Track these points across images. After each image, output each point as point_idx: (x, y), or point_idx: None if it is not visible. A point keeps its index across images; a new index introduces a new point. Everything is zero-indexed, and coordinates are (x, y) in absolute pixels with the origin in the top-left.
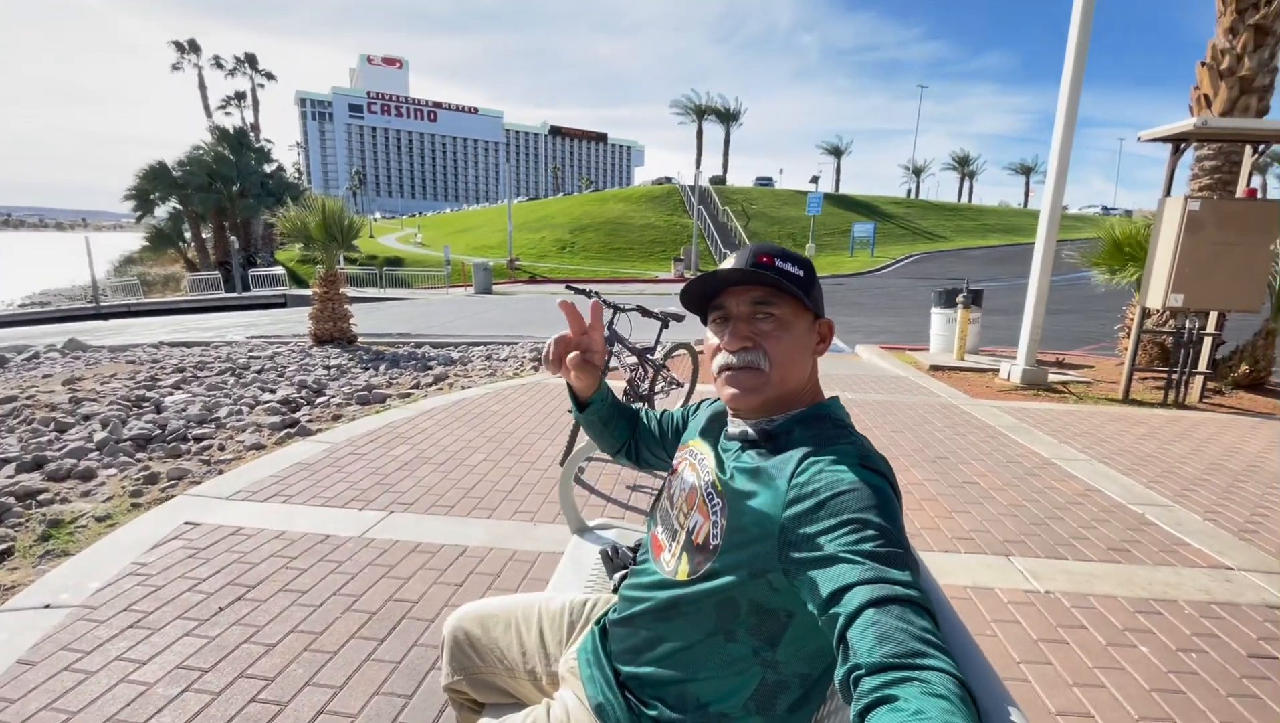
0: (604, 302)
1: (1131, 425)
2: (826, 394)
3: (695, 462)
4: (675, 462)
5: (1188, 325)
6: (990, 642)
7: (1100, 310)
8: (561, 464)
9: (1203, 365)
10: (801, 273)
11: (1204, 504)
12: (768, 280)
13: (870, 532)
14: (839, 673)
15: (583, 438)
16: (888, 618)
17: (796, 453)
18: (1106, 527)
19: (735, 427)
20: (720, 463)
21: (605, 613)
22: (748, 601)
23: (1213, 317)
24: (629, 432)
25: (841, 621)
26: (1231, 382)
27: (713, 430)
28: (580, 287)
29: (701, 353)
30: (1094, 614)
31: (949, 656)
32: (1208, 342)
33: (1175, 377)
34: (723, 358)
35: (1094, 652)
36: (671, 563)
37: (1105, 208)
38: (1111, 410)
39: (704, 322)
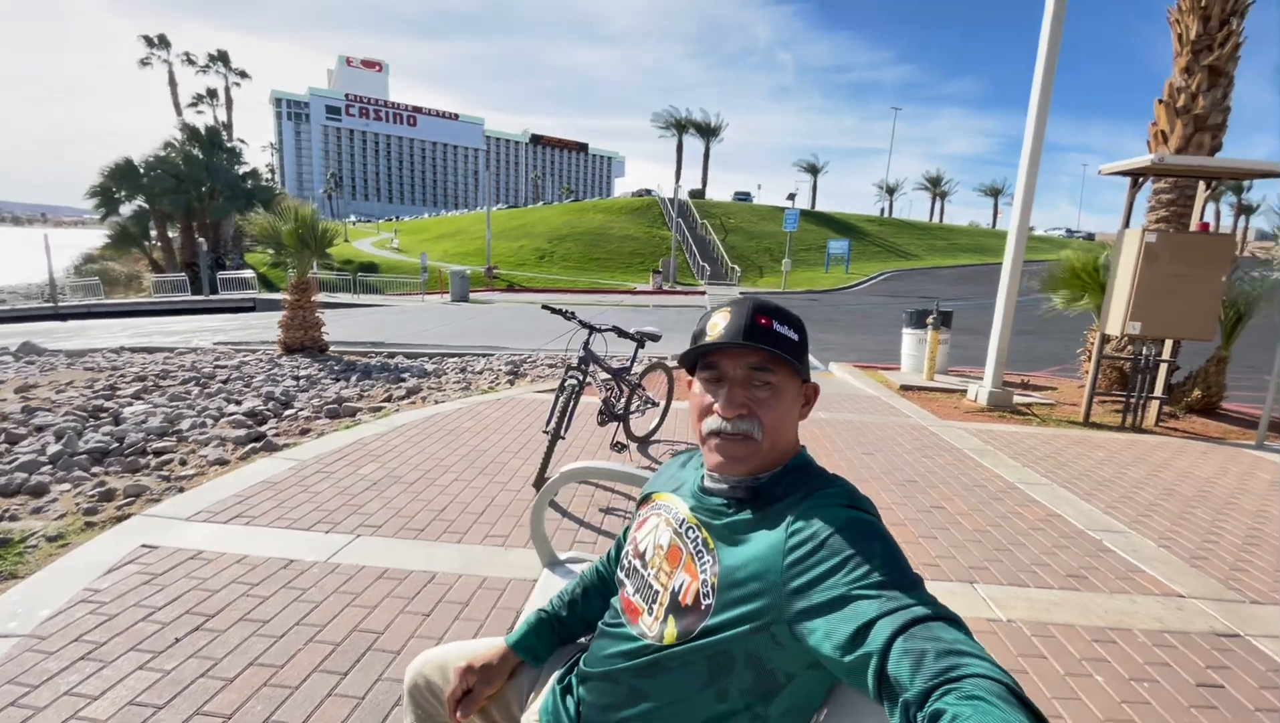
0: (581, 322)
1: (1091, 449)
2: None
3: (669, 516)
4: (640, 517)
5: (1144, 352)
6: None
7: (1061, 332)
8: (536, 486)
9: (1158, 390)
10: (797, 337)
11: (1158, 530)
12: (772, 352)
13: (877, 563)
14: (895, 714)
15: (556, 460)
16: (917, 643)
17: (790, 502)
18: (1066, 553)
19: (717, 483)
20: (702, 520)
21: (568, 668)
22: (745, 655)
23: (1168, 344)
24: (601, 595)
25: (875, 659)
26: (1185, 406)
27: (688, 484)
28: (557, 308)
29: (675, 371)
30: (1053, 643)
31: (985, 657)
32: (1163, 368)
33: (1133, 401)
34: (714, 422)
35: (1052, 682)
36: (655, 627)
37: (1069, 231)
38: (1073, 433)
39: (690, 372)
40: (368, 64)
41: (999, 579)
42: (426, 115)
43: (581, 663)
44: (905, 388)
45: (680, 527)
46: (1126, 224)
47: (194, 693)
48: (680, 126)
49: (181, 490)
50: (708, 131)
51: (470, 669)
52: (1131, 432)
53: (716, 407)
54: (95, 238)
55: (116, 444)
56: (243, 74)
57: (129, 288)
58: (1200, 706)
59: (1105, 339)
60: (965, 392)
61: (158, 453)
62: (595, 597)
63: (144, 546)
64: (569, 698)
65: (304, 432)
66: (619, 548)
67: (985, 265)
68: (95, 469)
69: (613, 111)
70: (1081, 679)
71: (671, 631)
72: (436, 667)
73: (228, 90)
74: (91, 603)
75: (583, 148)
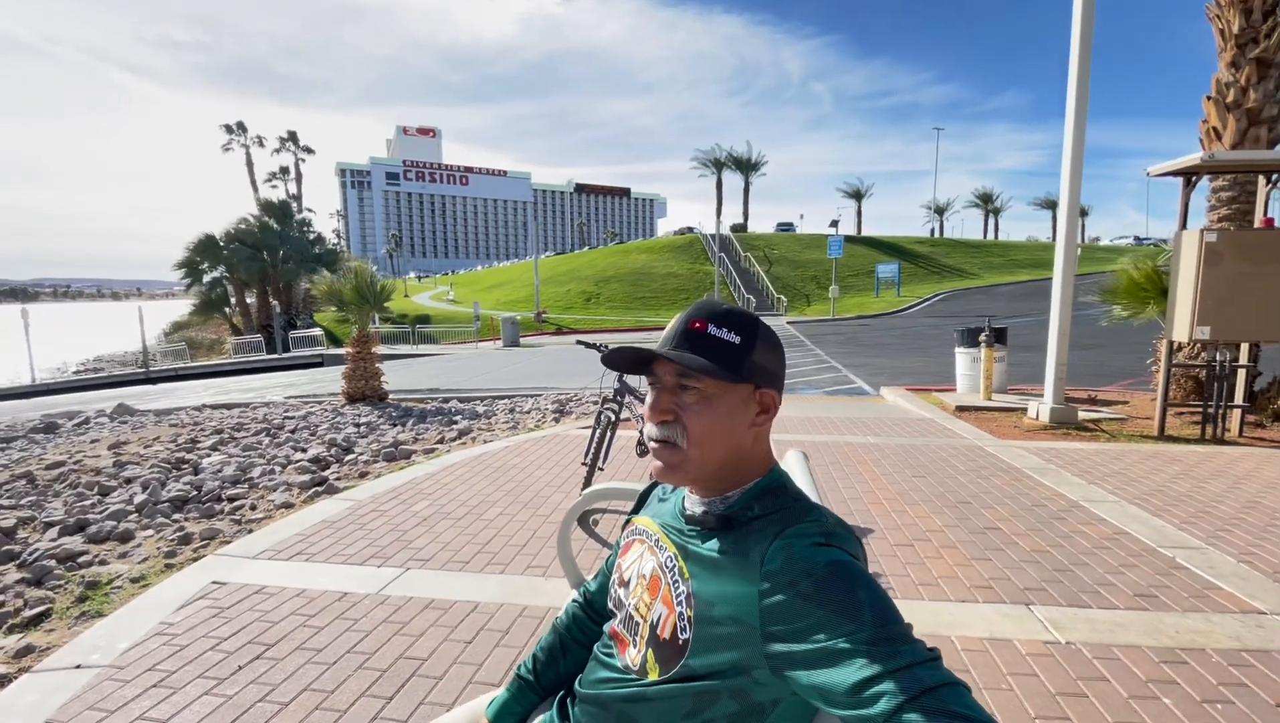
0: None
1: (1165, 464)
2: (849, 440)
3: (653, 545)
4: (624, 542)
5: (1218, 358)
6: (1005, 696)
7: (1133, 343)
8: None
9: (1239, 398)
10: (738, 339)
11: (1238, 545)
12: (687, 362)
13: (864, 614)
14: None
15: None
16: (931, 717)
17: (761, 539)
18: (1134, 572)
19: (692, 507)
20: (679, 548)
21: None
22: (729, 692)
23: (1245, 348)
24: (582, 645)
25: None
26: (1272, 414)
27: (666, 509)
28: (591, 343)
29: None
30: (1117, 666)
31: None
32: (1242, 373)
33: (1211, 411)
34: (648, 428)
35: (1114, 706)
36: (638, 659)
37: (1138, 238)
38: (1145, 448)
39: (635, 390)
40: (422, 131)
41: (1058, 601)
42: (477, 174)
43: (577, 683)
44: (961, 409)
45: (662, 556)
46: (1184, 225)
47: (253, 716)
48: (719, 164)
49: (250, 532)
50: (747, 166)
51: None
52: (1212, 444)
53: (646, 412)
54: (182, 307)
55: (195, 492)
56: (309, 150)
57: (212, 351)
58: None
59: (1174, 347)
60: (1025, 410)
61: (231, 499)
62: (575, 648)
63: (214, 582)
64: (566, 714)
65: (363, 474)
66: (607, 572)
67: (1046, 280)
68: (176, 516)
69: (652, 156)
70: (1147, 702)
71: (653, 664)
72: None
73: (297, 165)
74: (165, 636)
75: (625, 192)
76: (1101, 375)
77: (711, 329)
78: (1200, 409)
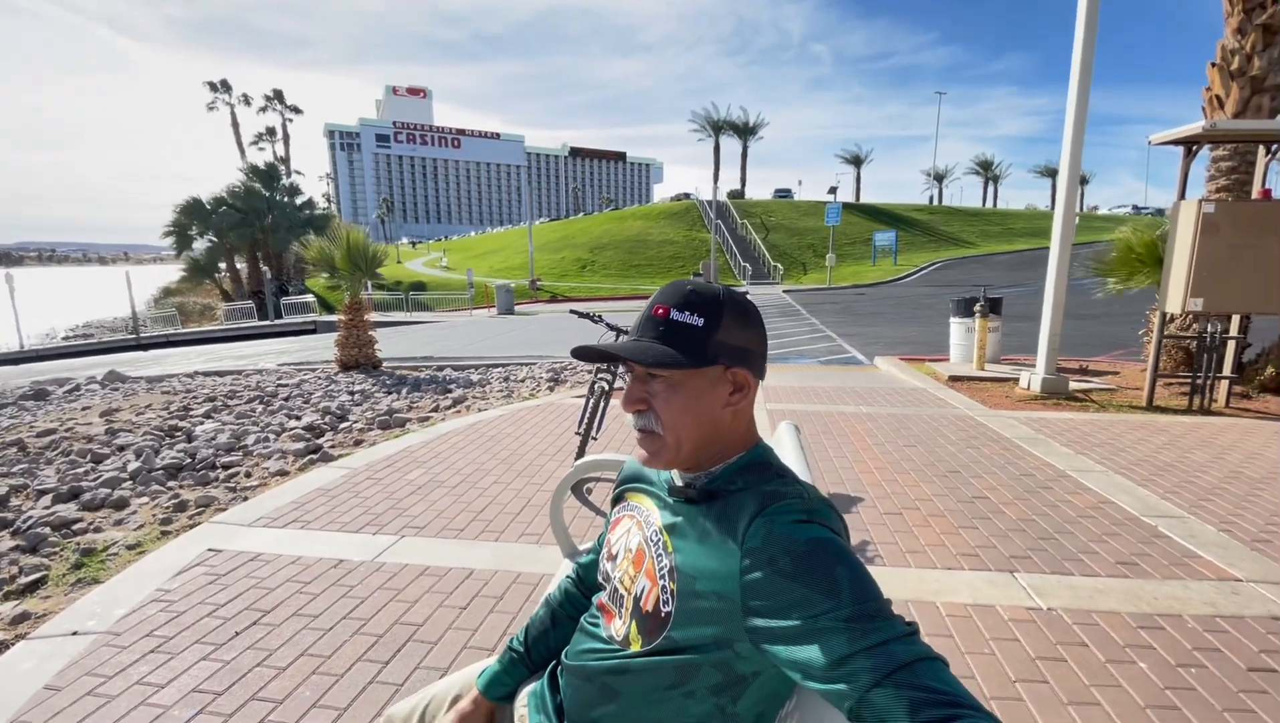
0: (608, 325)
1: (1153, 434)
2: (841, 409)
3: (641, 519)
4: (614, 518)
5: (1209, 329)
6: (986, 661)
7: (1126, 313)
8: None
9: (1227, 370)
10: (700, 321)
11: (1219, 514)
12: (641, 358)
13: (843, 591)
14: None
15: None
16: (906, 692)
17: (742, 514)
18: (1117, 540)
19: (677, 479)
20: (664, 522)
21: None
22: (711, 664)
23: (1235, 320)
24: (573, 618)
25: (853, 702)
26: (1259, 385)
27: (655, 483)
28: (584, 312)
29: None
30: (1096, 631)
31: (977, 707)
32: (1231, 345)
33: (1200, 381)
34: (628, 416)
35: (1092, 669)
36: (622, 631)
37: (1136, 207)
38: (1133, 418)
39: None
40: (413, 91)
41: (1041, 568)
42: (470, 136)
43: (563, 655)
44: (954, 379)
45: (648, 531)
46: (1182, 195)
47: (250, 681)
48: (717, 128)
49: (246, 500)
50: (745, 131)
51: None
52: (1199, 414)
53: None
54: (171, 273)
55: (189, 460)
56: (296, 110)
57: (203, 317)
58: (1251, 690)
59: (1167, 318)
60: (1017, 380)
61: (225, 467)
62: (566, 622)
63: (210, 549)
64: (556, 685)
65: (357, 442)
66: (598, 548)
67: (1043, 249)
68: (170, 483)
69: (649, 119)
70: (1124, 666)
71: (636, 636)
72: (404, 718)
73: (284, 126)
74: (162, 602)
75: (621, 157)
76: (1094, 346)
77: (674, 314)
78: (1189, 380)
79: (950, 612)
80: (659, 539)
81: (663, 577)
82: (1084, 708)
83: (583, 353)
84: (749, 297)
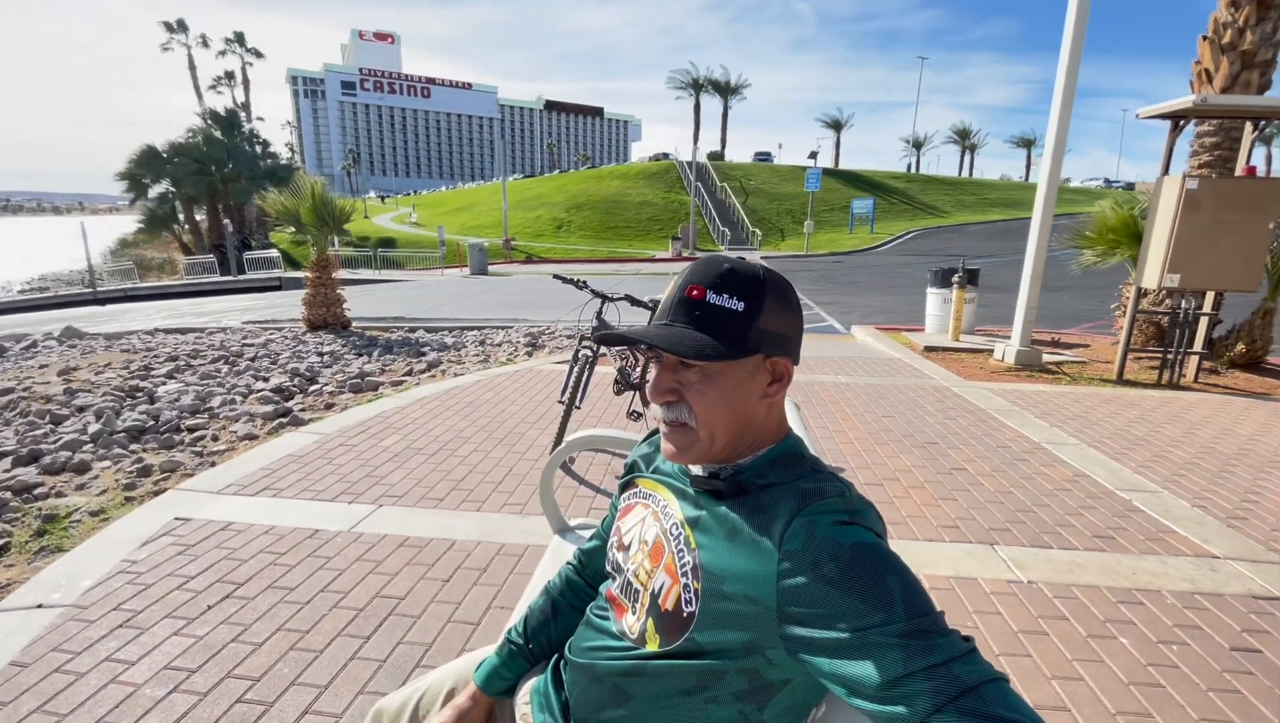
0: (593, 292)
1: (1124, 407)
2: (820, 379)
3: (658, 509)
4: (624, 504)
5: (1184, 305)
6: (970, 634)
7: (1097, 287)
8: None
9: (1198, 345)
10: (742, 306)
11: (1193, 490)
12: (680, 351)
13: (895, 604)
14: None
15: (572, 429)
16: (973, 720)
17: (779, 512)
18: (1093, 514)
19: (698, 469)
20: (686, 515)
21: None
22: (737, 670)
23: (1209, 296)
24: (575, 608)
25: None
26: (1228, 361)
27: (672, 471)
28: (569, 277)
29: None
30: (1076, 605)
31: None
32: (1204, 321)
33: (1170, 357)
34: (655, 409)
35: (1074, 644)
36: (636, 627)
37: (1108, 181)
38: (1105, 392)
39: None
40: (380, 36)
41: (1021, 541)
42: (440, 86)
43: (567, 649)
44: (929, 349)
45: (667, 523)
46: (1166, 171)
47: (225, 657)
48: (697, 86)
49: (213, 465)
50: (726, 90)
51: None
52: (1168, 389)
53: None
54: (129, 224)
55: (153, 422)
56: (257, 53)
57: (162, 272)
58: (1234, 670)
59: (1141, 293)
60: (992, 352)
61: (191, 430)
62: (568, 612)
63: (178, 518)
64: (560, 681)
65: (328, 406)
66: (604, 535)
67: (1017, 220)
68: (133, 447)
69: (628, 74)
70: (1105, 642)
71: (653, 634)
72: (395, 714)
73: (244, 71)
74: (129, 574)
75: (598, 112)
76: (1067, 318)
77: (711, 297)
78: (1160, 354)
79: (933, 585)
80: (680, 533)
81: (685, 574)
82: (1068, 683)
83: (609, 338)
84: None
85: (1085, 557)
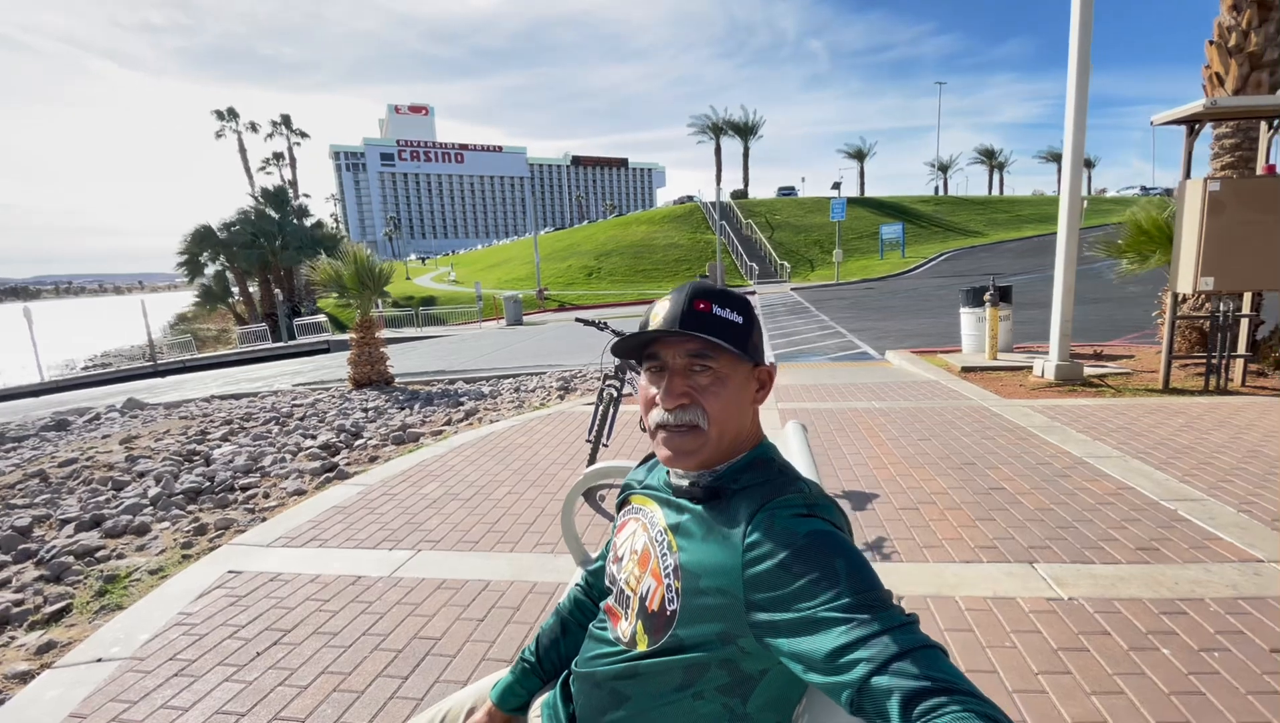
0: (614, 331)
1: (1170, 416)
2: (854, 406)
3: (646, 522)
4: (620, 521)
5: (1222, 308)
6: (1008, 653)
7: (1142, 297)
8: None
9: (1242, 348)
10: (741, 319)
11: (1239, 495)
12: (704, 339)
13: (841, 582)
14: None
15: (592, 466)
16: (901, 680)
17: (744, 509)
18: (1136, 526)
19: (679, 479)
20: (668, 521)
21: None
22: (718, 662)
23: (1248, 297)
24: (582, 626)
25: (852, 693)
26: (1274, 362)
27: (657, 485)
28: (590, 320)
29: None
30: (1118, 619)
31: (971, 692)
32: (1244, 323)
33: (1215, 362)
34: (658, 415)
35: (1115, 657)
36: (628, 631)
37: (1144, 188)
38: (1150, 402)
39: (638, 365)
40: (415, 109)
41: (1061, 558)
42: (472, 151)
43: (574, 663)
44: (966, 370)
45: (653, 531)
46: (1187, 175)
47: (272, 701)
48: (717, 129)
49: (264, 520)
50: (745, 130)
51: None
52: (1215, 394)
53: (658, 398)
54: (185, 299)
55: (208, 483)
56: (303, 134)
57: (218, 342)
58: (1274, 672)
59: (1179, 299)
60: (1030, 368)
61: (244, 488)
62: (576, 630)
63: (230, 571)
64: (569, 694)
65: (372, 459)
66: (606, 554)
67: (1052, 235)
68: (190, 507)
69: (650, 125)
70: (1146, 653)
71: (642, 636)
72: None
73: (290, 150)
74: (184, 626)
75: (622, 163)
76: (1108, 330)
77: (716, 310)
78: (1204, 360)
79: (970, 606)
80: (664, 539)
81: (668, 575)
82: (1107, 698)
83: (622, 345)
84: (757, 297)
85: (1128, 570)
